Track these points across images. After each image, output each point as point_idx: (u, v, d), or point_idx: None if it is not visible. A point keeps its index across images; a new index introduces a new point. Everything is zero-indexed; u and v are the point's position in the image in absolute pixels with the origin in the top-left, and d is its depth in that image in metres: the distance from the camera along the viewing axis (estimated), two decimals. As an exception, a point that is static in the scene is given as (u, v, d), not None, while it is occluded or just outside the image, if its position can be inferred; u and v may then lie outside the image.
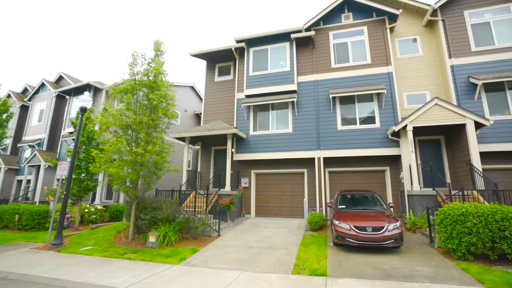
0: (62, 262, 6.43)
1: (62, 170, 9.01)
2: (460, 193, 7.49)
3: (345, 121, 11.93)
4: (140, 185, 8.98)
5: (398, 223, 6.72)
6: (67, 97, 20.68)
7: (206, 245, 7.80)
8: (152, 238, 7.86)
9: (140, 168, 8.34)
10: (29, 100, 22.96)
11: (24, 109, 23.33)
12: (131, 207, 8.88)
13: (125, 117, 8.24)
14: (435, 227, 6.76)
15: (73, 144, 12.01)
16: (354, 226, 6.73)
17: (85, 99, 9.41)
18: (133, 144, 8.66)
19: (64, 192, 8.55)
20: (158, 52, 9.71)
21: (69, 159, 11.56)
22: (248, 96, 13.36)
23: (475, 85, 10.45)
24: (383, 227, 6.57)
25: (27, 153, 21.22)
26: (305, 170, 12.41)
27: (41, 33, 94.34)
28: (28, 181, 19.89)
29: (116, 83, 8.82)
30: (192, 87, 23.00)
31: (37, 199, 17.16)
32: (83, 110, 9.41)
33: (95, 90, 18.60)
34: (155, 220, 8.48)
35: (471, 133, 9.33)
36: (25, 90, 24.89)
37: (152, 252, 7.25)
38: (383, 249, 6.80)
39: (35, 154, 18.40)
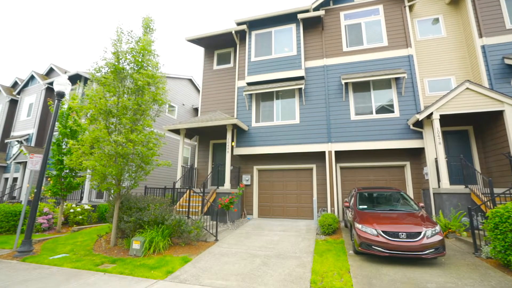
0: (18, 277, 5.15)
1: (34, 164, 7.73)
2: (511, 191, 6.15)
3: (359, 110, 10.59)
4: (124, 181, 7.70)
5: (437, 228, 5.39)
6: (57, 89, 19.39)
7: (200, 253, 6.51)
8: (136, 245, 6.56)
9: (121, 161, 7.03)
10: (18, 93, 21.69)
11: (13, 104, 22.06)
12: (114, 207, 7.61)
13: (104, 100, 6.92)
14: (486, 233, 5.44)
15: (61, 139, 10.82)
16: (383, 232, 5.41)
17: (61, 82, 8.12)
18: (115, 133, 7.37)
19: (35, 190, 7.28)
20: (148, 30, 8.42)
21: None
22: (250, 84, 12.03)
23: (512, 66, 9.11)
24: (420, 233, 5.26)
25: (15, 149, 19.98)
26: (314, 166, 11.09)
27: (34, 25, 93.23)
28: (15, 179, 18.68)
29: (95, 62, 7.48)
30: (190, 80, 21.70)
31: (23, 197, 15.94)
32: (59, 95, 8.13)
33: (86, 81, 17.31)
34: (140, 223, 7.19)
35: (511, 121, 7.99)
36: (15, 84, 23.61)
37: (135, 262, 5.96)
38: (418, 260, 5.48)
39: (22, 150, 17.14)
